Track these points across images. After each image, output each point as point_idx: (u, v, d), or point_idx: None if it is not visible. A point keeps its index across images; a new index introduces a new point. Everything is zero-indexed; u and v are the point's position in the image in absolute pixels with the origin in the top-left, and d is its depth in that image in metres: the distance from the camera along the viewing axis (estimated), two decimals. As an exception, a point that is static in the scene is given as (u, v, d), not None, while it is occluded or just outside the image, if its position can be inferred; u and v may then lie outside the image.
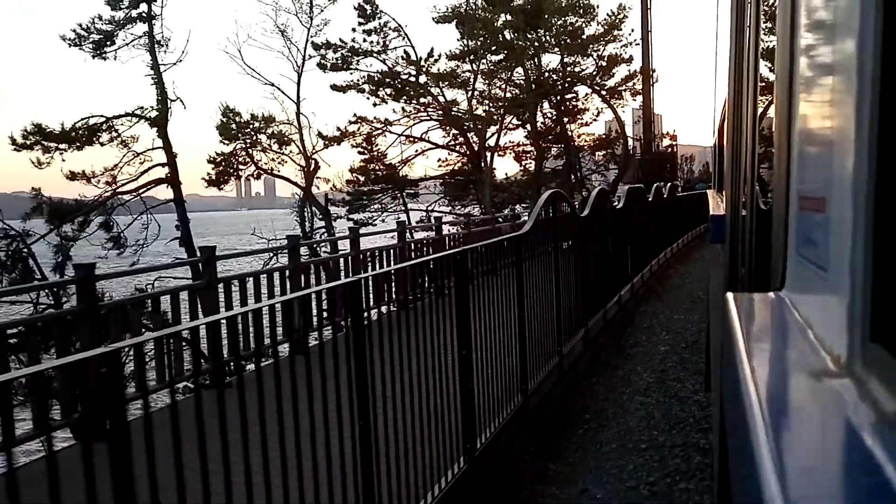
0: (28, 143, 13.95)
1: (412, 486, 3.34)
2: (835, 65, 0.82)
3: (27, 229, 12.38)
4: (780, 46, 1.21)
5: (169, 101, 15.86)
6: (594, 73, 32.00)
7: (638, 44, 33.32)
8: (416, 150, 30.26)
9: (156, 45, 16.13)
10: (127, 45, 15.80)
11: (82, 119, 14.65)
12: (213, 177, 22.84)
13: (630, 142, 34.17)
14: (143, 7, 15.64)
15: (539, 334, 5.51)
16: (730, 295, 1.26)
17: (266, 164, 23.78)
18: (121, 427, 1.91)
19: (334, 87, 28.27)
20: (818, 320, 0.80)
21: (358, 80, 28.21)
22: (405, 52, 28.37)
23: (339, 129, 27.85)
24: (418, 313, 3.52)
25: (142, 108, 15.23)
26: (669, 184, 18.05)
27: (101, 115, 14.60)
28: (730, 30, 2.40)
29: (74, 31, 15.45)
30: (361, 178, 30.23)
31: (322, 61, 26.98)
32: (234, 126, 22.60)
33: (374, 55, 27.84)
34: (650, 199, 12.95)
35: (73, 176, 14.48)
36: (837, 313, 0.69)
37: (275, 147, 23.74)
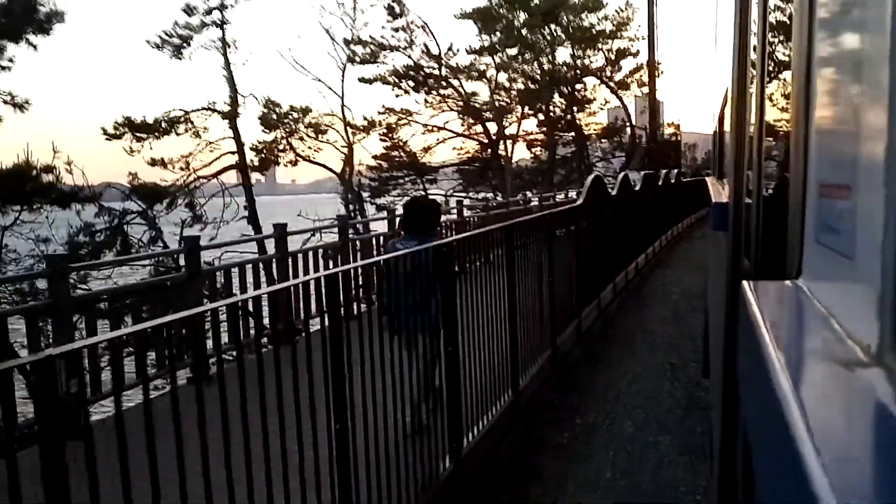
0: (118, 133, 16.11)
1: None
2: (856, 45, 0.79)
3: (126, 208, 14.57)
4: (797, 26, 1.14)
5: (239, 97, 18.12)
6: (603, 65, 34.12)
7: (644, 38, 35.30)
8: (437, 139, 32.42)
9: (227, 47, 18.36)
10: (202, 47, 17.93)
11: (164, 112, 16.86)
12: (256, 163, 24.96)
13: (636, 131, 36.28)
14: (217, 14, 17.81)
15: (600, 272, 7.83)
16: (746, 283, 1.22)
17: (303, 151, 25.89)
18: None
19: (362, 80, 30.39)
20: (843, 309, 0.78)
21: (385, 74, 30.30)
22: (425, 46, 30.48)
23: (365, 118, 29.97)
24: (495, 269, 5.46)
25: (214, 102, 17.49)
26: (676, 170, 20.23)
27: (182, 109, 16.84)
28: (734, 10, 2.37)
29: (159, 36, 17.60)
30: (385, 165, 32.41)
31: (352, 56, 29.08)
32: (274, 116, 24.71)
33: (400, 49, 29.94)
34: (660, 184, 15.18)
35: (153, 163, 16.67)
36: (865, 301, 0.67)
37: (311, 135, 25.79)
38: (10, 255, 12.15)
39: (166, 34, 18.12)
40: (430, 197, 10.54)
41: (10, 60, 12.04)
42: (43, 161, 11.76)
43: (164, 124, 16.73)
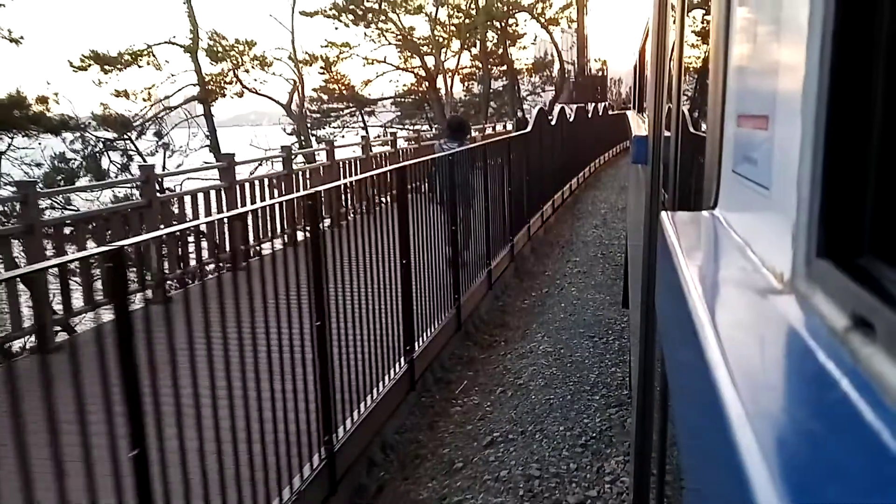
0: (84, 66, 16.80)
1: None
2: None
3: (101, 138, 15.47)
4: None
5: (199, 31, 18.75)
6: (535, 2, 35.56)
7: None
8: (377, 73, 33.41)
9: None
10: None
11: (128, 46, 17.51)
12: (202, 96, 25.62)
13: (565, 66, 38.16)
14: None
15: (542, 189, 9.71)
16: (664, 214, 1.20)
17: (249, 84, 26.65)
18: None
19: (303, 13, 30.89)
20: (758, 238, 0.80)
21: (325, 8, 30.89)
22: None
23: (306, 53, 30.67)
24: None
25: (174, 36, 18.14)
26: (603, 104, 22.28)
27: (145, 43, 17.44)
28: None
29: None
30: (325, 97, 33.27)
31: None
32: (219, 49, 25.30)
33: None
34: (589, 116, 17.16)
35: (118, 94, 17.38)
36: (779, 231, 0.68)
37: (258, 68, 26.55)
38: (4, 178, 13.06)
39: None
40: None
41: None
42: (35, 93, 12.58)
43: (126, 57, 17.44)
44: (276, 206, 7.83)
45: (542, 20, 36.08)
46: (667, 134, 2.08)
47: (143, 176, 7.07)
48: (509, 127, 20.12)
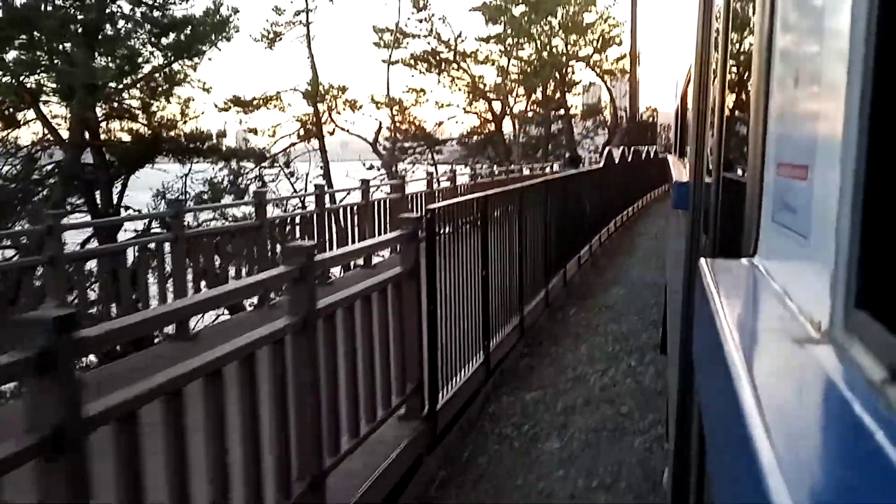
0: (226, 107, 20.78)
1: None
2: (818, 25, 0.80)
3: (243, 166, 19.25)
4: (759, 6, 1.16)
5: (318, 81, 22.75)
6: (591, 53, 39.11)
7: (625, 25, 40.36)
8: (447, 117, 37.19)
9: (310, 42, 22.98)
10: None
11: (263, 93, 21.53)
12: (302, 133, 29.59)
13: (618, 112, 41.45)
14: (302, 17, 22.23)
15: (611, 209, 12.92)
16: (703, 261, 1.22)
17: (342, 123, 30.56)
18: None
19: (384, 62, 34.98)
20: (797, 287, 0.80)
21: (404, 58, 34.96)
22: (437, 34, 35.13)
23: (388, 97, 34.68)
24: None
25: (298, 85, 22.10)
26: (654, 147, 25.43)
27: (276, 91, 21.34)
28: None
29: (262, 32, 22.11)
30: (399, 136, 37.13)
31: (378, 41, 33.65)
32: (316, 93, 29.31)
33: (419, 37, 34.59)
34: (643, 158, 20.35)
35: (250, 130, 21.24)
36: (818, 280, 0.68)
37: (348, 110, 30.45)
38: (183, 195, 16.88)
39: (265, 31, 22.84)
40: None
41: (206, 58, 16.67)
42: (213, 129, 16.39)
43: (258, 101, 21.38)
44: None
45: (598, 70, 39.59)
46: (707, 180, 2.04)
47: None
48: (555, 167, 22.98)
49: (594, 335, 7.32)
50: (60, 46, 12.94)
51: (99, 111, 14.27)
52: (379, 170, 29.65)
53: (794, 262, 0.84)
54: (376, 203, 10.49)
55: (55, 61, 12.89)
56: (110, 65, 13.51)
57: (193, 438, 2.28)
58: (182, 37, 14.81)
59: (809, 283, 0.73)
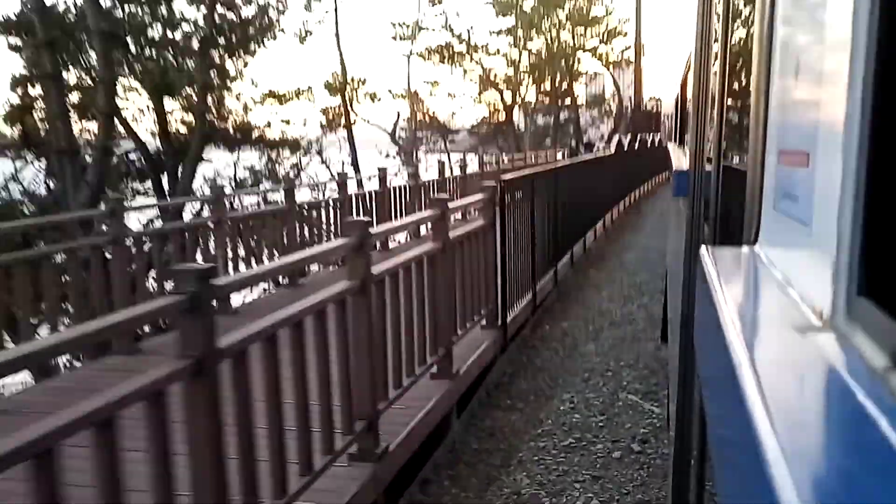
0: (262, 100, 22.64)
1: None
2: (819, 11, 0.80)
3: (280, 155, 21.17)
4: None
5: (347, 74, 24.70)
6: (597, 45, 40.84)
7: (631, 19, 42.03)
8: (460, 107, 39.02)
9: (339, 37, 24.91)
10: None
11: (296, 88, 23.53)
12: (325, 123, 31.30)
13: (622, 101, 43.19)
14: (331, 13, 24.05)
15: (620, 192, 14.74)
16: (704, 249, 1.22)
17: (362, 114, 32.31)
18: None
19: (404, 55, 36.78)
20: (799, 275, 0.80)
21: (419, 51, 36.73)
22: (450, 27, 36.87)
23: (409, 89, 36.52)
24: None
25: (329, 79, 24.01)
26: (659, 136, 27.18)
27: (307, 84, 23.18)
28: None
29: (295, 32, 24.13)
30: (414, 126, 38.93)
31: (395, 34, 35.41)
32: (336, 85, 31.04)
33: (432, 30, 36.39)
34: (648, 146, 22.16)
35: (284, 122, 23.14)
36: (819, 267, 0.68)
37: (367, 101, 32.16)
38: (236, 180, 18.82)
39: (299, 29, 24.73)
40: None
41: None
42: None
43: (291, 94, 23.27)
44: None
45: (604, 61, 41.34)
46: (707, 168, 1.99)
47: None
48: (559, 156, 24.78)
49: (612, 284, 9.21)
50: (138, 50, 14.85)
51: (167, 105, 16.14)
52: (395, 158, 31.44)
53: (795, 250, 0.84)
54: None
55: (134, 64, 14.77)
56: (181, 64, 15.36)
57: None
58: (236, 37, 16.65)
59: (811, 271, 0.72)
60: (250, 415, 2.58)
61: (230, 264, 7.33)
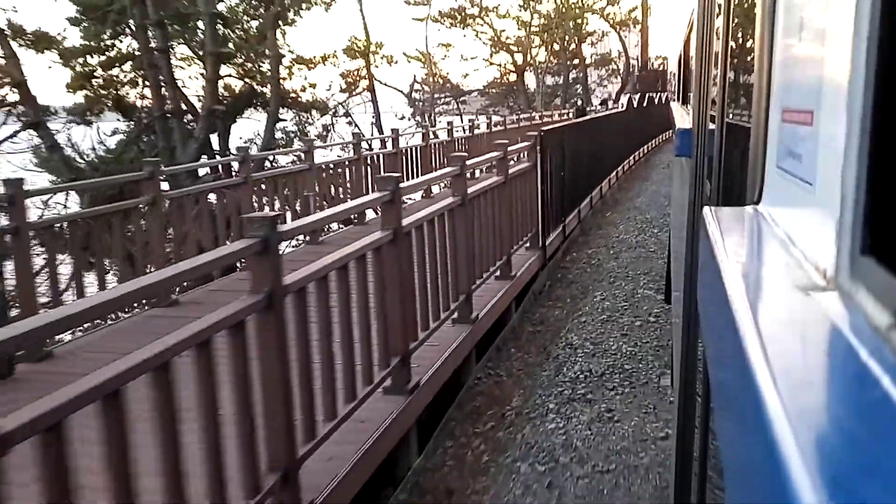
0: (290, 66, 24.06)
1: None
2: None
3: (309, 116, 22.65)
4: None
5: (370, 40, 25.99)
6: (605, 6, 41.79)
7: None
8: (474, 69, 40.20)
9: (362, 4, 26.27)
10: None
11: (323, 53, 24.89)
12: (344, 86, 32.65)
13: (630, 61, 44.22)
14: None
15: (638, 143, 16.26)
16: (707, 209, 1.19)
17: (378, 77, 33.53)
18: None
19: (415, 19, 37.87)
20: (802, 234, 0.79)
21: (433, 15, 37.81)
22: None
23: (418, 51, 37.67)
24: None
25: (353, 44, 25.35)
26: (666, 94, 28.45)
27: (333, 50, 24.50)
28: None
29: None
30: (427, 88, 40.18)
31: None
32: (357, 49, 32.30)
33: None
34: (655, 103, 23.56)
35: (310, 85, 24.58)
36: (823, 227, 0.68)
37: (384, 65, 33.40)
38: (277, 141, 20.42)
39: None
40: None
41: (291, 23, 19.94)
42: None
43: (318, 59, 24.67)
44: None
45: (611, 21, 42.28)
46: (711, 127, 1.98)
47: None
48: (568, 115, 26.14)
49: (627, 221, 10.88)
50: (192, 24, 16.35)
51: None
52: (409, 120, 32.87)
53: (799, 209, 0.83)
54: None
55: (187, 36, 16.24)
56: (230, 35, 16.79)
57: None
58: (277, 7, 18.08)
59: (814, 230, 0.72)
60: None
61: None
